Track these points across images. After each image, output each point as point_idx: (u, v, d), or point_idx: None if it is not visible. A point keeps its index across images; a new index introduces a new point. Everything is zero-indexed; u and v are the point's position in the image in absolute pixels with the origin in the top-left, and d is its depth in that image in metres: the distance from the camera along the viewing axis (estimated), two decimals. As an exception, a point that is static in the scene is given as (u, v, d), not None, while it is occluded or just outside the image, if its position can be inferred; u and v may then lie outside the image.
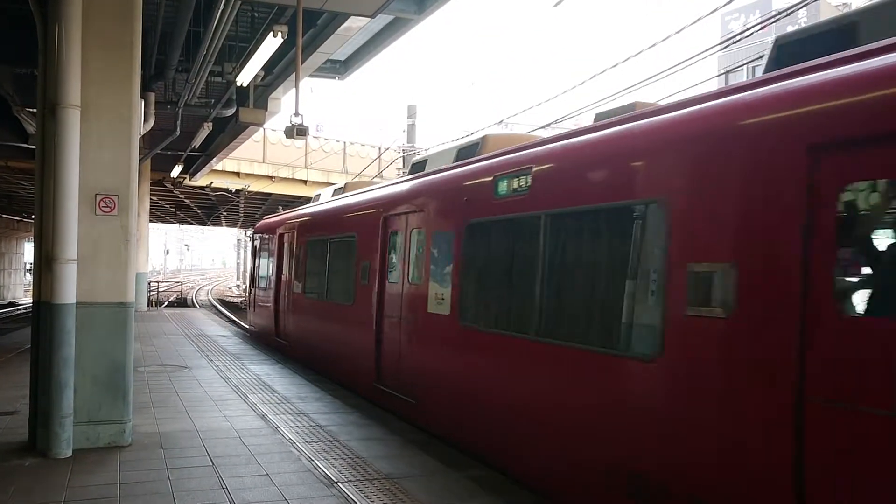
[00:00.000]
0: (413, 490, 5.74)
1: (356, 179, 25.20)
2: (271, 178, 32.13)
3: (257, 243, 17.36)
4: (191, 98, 15.53)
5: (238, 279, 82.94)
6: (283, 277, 14.42)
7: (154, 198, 35.02)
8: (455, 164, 8.04)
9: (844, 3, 27.50)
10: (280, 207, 26.61)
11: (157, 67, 13.87)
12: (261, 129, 24.31)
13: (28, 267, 50.03)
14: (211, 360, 12.98)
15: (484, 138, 8.10)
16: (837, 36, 4.34)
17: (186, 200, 39.74)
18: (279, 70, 15.64)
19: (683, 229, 4.42)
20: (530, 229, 5.99)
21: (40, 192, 6.72)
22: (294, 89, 10.42)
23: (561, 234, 5.71)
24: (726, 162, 4.19)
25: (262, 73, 13.90)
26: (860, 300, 3.71)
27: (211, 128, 18.03)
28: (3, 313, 32.72)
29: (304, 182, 33.47)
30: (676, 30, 8.71)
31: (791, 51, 4.55)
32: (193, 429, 7.63)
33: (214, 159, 24.94)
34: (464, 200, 7.21)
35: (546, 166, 6.01)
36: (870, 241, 3.71)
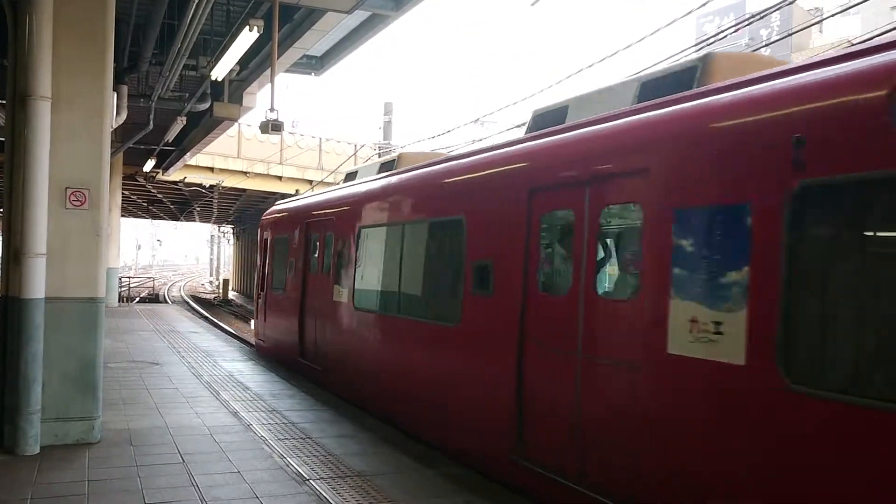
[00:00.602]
0: (386, 487, 5.73)
1: (328, 178, 25.08)
2: (246, 173, 31.84)
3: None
4: (164, 92, 15.34)
5: (211, 275, 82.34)
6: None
7: (126, 192, 34.56)
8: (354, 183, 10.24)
9: (816, 8, 27.92)
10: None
11: (131, 60, 13.68)
12: (236, 125, 24.07)
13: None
14: (183, 357, 12.85)
15: (399, 156, 9.83)
16: (557, 114, 6.43)
17: (159, 195, 39.31)
18: (255, 65, 15.50)
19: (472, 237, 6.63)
20: (395, 235, 8.23)
21: (9, 185, 6.61)
22: (269, 84, 10.35)
23: (413, 239, 7.87)
24: (491, 195, 6.51)
25: (238, 68, 13.75)
26: (547, 284, 5.80)
27: (185, 122, 17.82)
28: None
29: (280, 178, 33.22)
30: (651, 31, 8.80)
31: (542, 120, 6.66)
32: (164, 426, 7.55)
33: (188, 154, 24.68)
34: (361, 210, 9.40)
35: (408, 185, 8.30)
36: (553, 247, 5.85)
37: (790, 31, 9.22)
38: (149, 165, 25.52)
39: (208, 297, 51.34)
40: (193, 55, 13.35)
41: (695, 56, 6.05)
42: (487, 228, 6.42)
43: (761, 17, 8.49)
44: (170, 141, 21.11)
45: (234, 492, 5.52)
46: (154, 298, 40.40)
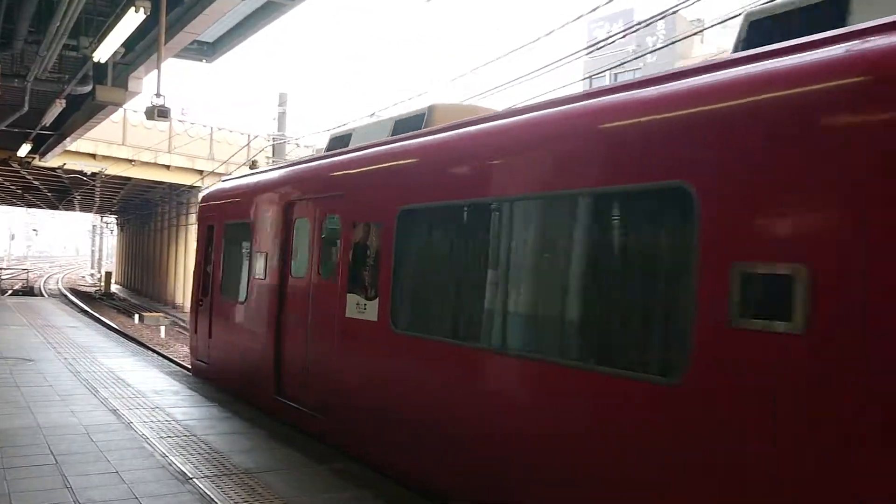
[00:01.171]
0: (274, 484, 5.65)
1: (222, 169, 24.17)
2: (131, 161, 30.49)
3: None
4: (42, 72, 14.44)
5: (93, 268, 78.36)
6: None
7: (-2, 178, 32.43)
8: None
9: (698, 19, 29.42)
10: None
11: (4, 37, 12.84)
12: (121, 110, 22.98)
13: None
14: (59, 353, 12.20)
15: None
16: (343, 139, 8.29)
17: (35, 182, 37.08)
18: (141, 48, 14.82)
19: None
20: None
21: None
22: (157, 69, 9.94)
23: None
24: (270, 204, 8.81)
25: (123, 51, 13.11)
26: (296, 269, 8.07)
27: (65, 105, 16.84)
28: None
29: (168, 167, 32.05)
30: (546, 32, 9.04)
31: (332, 143, 8.62)
32: (36, 425, 7.15)
33: (68, 139, 23.34)
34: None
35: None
36: (300, 243, 8.13)
37: (673, 39, 9.69)
38: (24, 150, 24.00)
39: (89, 290, 48.90)
40: (74, 35, 12.64)
41: (426, 105, 7.55)
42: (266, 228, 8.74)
43: (647, 25, 8.88)
44: (48, 125, 19.93)
45: (112, 493, 5.29)
46: (29, 291, 38.07)
